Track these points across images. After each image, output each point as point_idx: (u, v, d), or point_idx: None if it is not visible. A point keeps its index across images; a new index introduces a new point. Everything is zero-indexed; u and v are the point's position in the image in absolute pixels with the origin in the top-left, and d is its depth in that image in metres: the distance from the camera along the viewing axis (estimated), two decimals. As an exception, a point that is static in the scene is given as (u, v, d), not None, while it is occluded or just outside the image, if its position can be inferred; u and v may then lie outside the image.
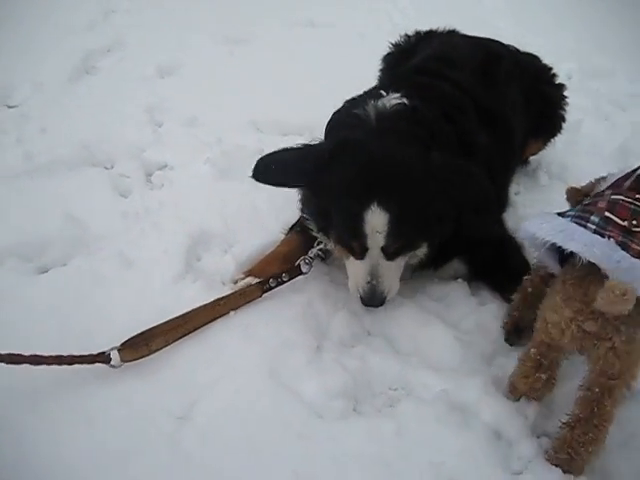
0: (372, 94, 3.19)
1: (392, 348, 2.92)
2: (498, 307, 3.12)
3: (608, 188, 2.44)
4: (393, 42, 4.38)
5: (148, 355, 2.64)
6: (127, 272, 3.19)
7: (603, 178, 2.60)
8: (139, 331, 2.65)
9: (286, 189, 3.18)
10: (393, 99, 3.02)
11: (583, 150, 4.60)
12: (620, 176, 2.46)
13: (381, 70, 4.30)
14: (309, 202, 3.09)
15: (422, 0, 7.46)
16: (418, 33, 4.32)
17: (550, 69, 4.25)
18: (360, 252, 2.81)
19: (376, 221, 2.67)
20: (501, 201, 3.52)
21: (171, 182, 4.00)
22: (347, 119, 3.02)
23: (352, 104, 3.20)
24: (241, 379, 2.68)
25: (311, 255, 3.19)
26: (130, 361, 2.60)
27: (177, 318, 2.75)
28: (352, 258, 2.87)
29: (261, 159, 2.89)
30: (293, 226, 3.42)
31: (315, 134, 4.13)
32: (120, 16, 6.79)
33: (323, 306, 3.07)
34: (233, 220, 3.58)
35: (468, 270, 3.27)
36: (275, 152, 2.88)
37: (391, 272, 2.86)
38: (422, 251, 2.95)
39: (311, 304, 3.06)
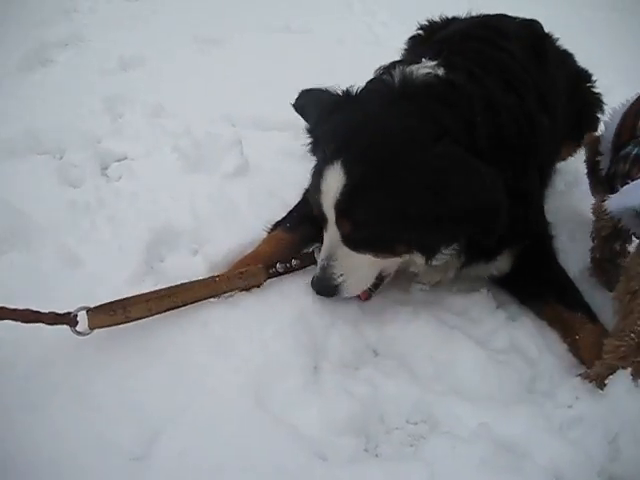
0: (404, 61, 2.74)
1: (407, 371, 2.34)
2: (532, 322, 2.61)
3: None
4: (419, 24, 3.79)
5: (125, 322, 2.25)
6: (72, 271, 2.63)
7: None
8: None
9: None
10: (424, 68, 2.51)
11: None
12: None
13: (406, 51, 3.71)
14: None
15: (402, 14, 7.09)
16: (445, 17, 3.71)
17: (587, 70, 3.80)
18: (323, 221, 2.43)
19: (332, 180, 2.28)
20: (542, 197, 2.98)
21: (131, 173, 3.44)
22: (371, 85, 2.62)
23: (384, 70, 2.72)
24: (217, 408, 2.09)
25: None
26: (101, 327, 2.22)
27: (163, 289, 2.38)
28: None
29: (302, 91, 2.87)
30: (280, 222, 2.85)
31: (300, 131, 3.66)
32: (82, 14, 6.36)
33: (318, 318, 2.47)
34: (205, 216, 3.00)
35: (510, 269, 2.71)
36: (316, 89, 2.75)
37: (352, 263, 2.41)
38: (417, 260, 2.46)
39: (303, 315, 2.47)
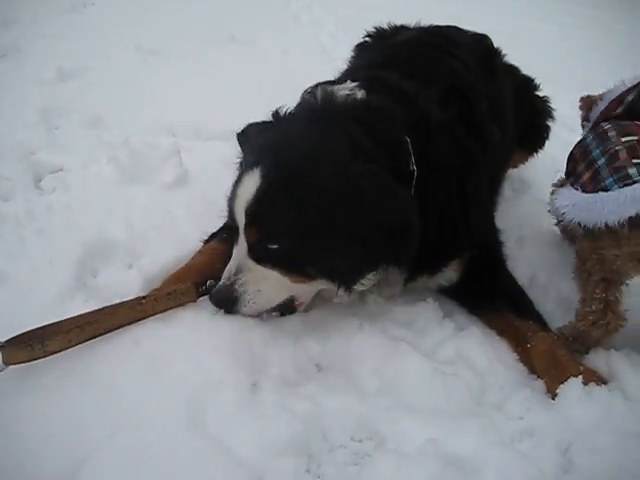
0: (331, 82, 2.69)
1: (351, 386, 2.22)
2: (481, 332, 2.51)
3: (612, 126, 2.55)
4: (367, 31, 3.72)
5: (43, 357, 2.08)
6: (-1, 287, 2.44)
7: (606, 93, 2.82)
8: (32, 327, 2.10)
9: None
10: (344, 89, 2.47)
11: (542, 165, 4.08)
12: (610, 102, 2.72)
13: (353, 58, 3.63)
14: None
15: (348, 25, 7.10)
16: (393, 25, 3.66)
17: (534, 79, 3.81)
18: (234, 231, 2.33)
19: (247, 184, 2.23)
20: (493, 203, 3.01)
21: (65, 185, 3.28)
22: (297, 107, 2.60)
23: (310, 90, 2.66)
24: (148, 430, 1.93)
25: None
26: (17, 363, 2.05)
27: (86, 315, 2.21)
28: None
29: (249, 124, 2.71)
30: (216, 233, 2.73)
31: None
32: (23, 25, 6.17)
33: (258, 331, 2.33)
34: (141, 228, 2.88)
35: (458, 279, 2.65)
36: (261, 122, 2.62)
37: (257, 278, 2.29)
38: (335, 290, 2.34)
39: (241, 330, 2.32)
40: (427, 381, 2.21)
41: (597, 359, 2.35)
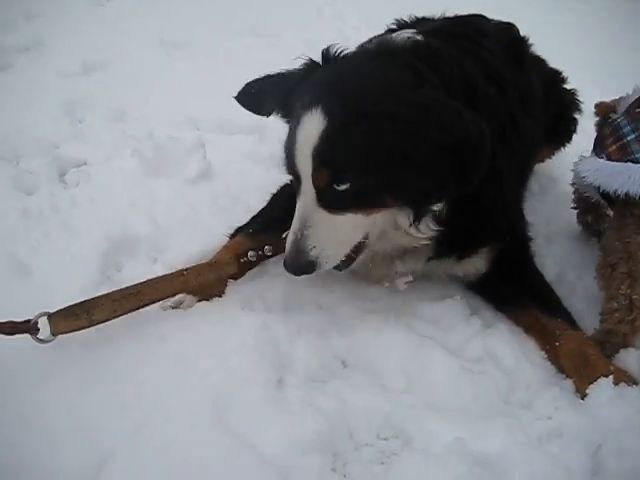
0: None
1: (377, 383, 2.19)
2: (508, 329, 2.46)
3: None
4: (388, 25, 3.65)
5: (89, 327, 2.12)
6: (20, 280, 2.48)
7: (622, 98, 2.76)
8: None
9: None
10: (403, 33, 2.42)
11: (569, 160, 3.99)
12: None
13: None
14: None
15: (372, 18, 7.03)
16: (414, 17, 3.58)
17: (561, 72, 3.70)
18: (297, 185, 2.21)
19: (310, 126, 2.08)
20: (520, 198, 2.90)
21: (89, 179, 3.29)
22: (348, 52, 2.43)
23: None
24: (173, 427, 1.92)
25: None
26: (64, 332, 2.08)
27: (127, 288, 2.23)
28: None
29: (249, 82, 2.50)
30: (242, 227, 2.70)
31: (266, 134, 3.53)
32: (46, 19, 6.14)
33: (283, 328, 2.32)
34: (165, 222, 2.87)
35: (487, 270, 2.59)
36: (261, 77, 2.48)
37: (330, 227, 2.16)
38: (402, 222, 2.28)
39: (267, 326, 2.31)
40: (454, 379, 2.18)
41: (628, 359, 2.30)
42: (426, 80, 2.16)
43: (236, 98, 2.52)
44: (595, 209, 2.96)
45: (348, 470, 1.89)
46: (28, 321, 2.05)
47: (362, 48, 2.42)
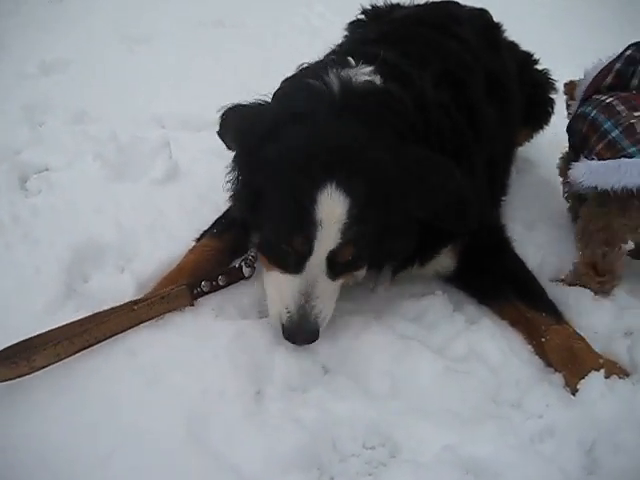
0: (336, 61, 2.44)
1: (360, 389, 2.11)
2: (493, 324, 2.39)
3: (613, 99, 2.64)
4: (362, 8, 3.58)
5: (29, 373, 1.95)
6: (-21, 298, 2.31)
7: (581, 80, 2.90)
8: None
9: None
10: (362, 74, 2.29)
11: (546, 143, 3.95)
12: (597, 73, 2.79)
13: (346, 37, 3.46)
14: (237, 184, 2.27)
15: (338, 5, 6.94)
16: (389, 3, 3.52)
17: (533, 54, 3.71)
18: (297, 260, 2.10)
19: (333, 205, 2.00)
20: (503, 186, 2.96)
21: (51, 186, 3.13)
22: (300, 91, 2.29)
23: (308, 72, 2.43)
24: (148, 448, 1.83)
25: (252, 255, 2.45)
26: (3, 382, 1.93)
27: (73, 324, 2.09)
28: (277, 273, 2.17)
29: (224, 112, 2.28)
30: (208, 230, 2.62)
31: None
32: (1, 18, 5.89)
33: (258, 335, 2.23)
34: (131, 227, 2.75)
35: (457, 266, 2.55)
36: (235, 106, 2.26)
37: (329, 295, 2.18)
38: (361, 273, 2.33)
39: (242, 334, 2.22)
40: (440, 381, 2.10)
41: (618, 350, 2.24)
42: (403, 136, 2.17)
43: (218, 133, 2.37)
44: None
45: (336, 484, 1.80)
46: None
47: (319, 93, 2.22)
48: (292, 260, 2.12)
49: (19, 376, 1.94)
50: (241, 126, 2.23)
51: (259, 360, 2.14)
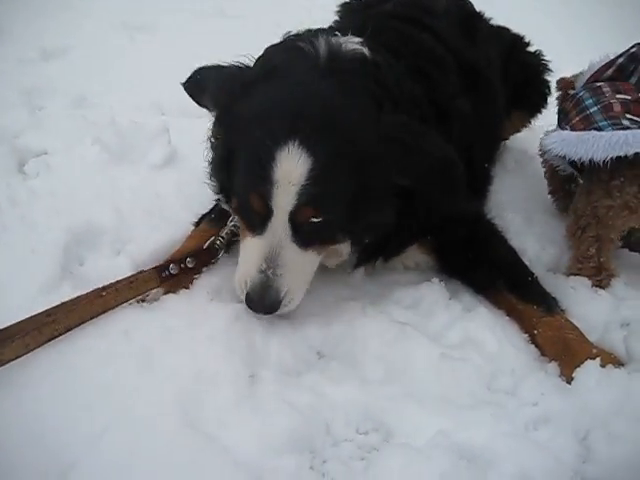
0: (324, 31, 2.45)
1: (354, 374, 2.09)
2: (489, 313, 2.37)
3: (602, 83, 2.71)
4: None
5: None
6: (-25, 279, 2.30)
7: (581, 73, 2.92)
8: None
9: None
10: (351, 43, 2.26)
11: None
12: (601, 66, 2.81)
13: (339, 19, 3.43)
14: (215, 144, 2.32)
15: (340, -4, 6.95)
16: None
17: (523, 37, 3.68)
18: (260, 220, 2.07)
19: (292, 164, 1.96)
20: (484, 179, 2.89)
21: (49, 169, 3.13)
22: (287, 53, 2.27)
23: (296, 38, 2.40)
24: (140, 429, 1.80)
25: (223, 234, 2.44)
26: None
27: (40, 314, 2.01)
28: (249, 237, 2.14)
29: (197, 69, 2.37)
30: (206, 215, 2.63)
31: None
32: (1, 4, 5.89)
33: (253, 319, 2.20)
34: (129, 212, 2.73)
35: (435, 262, 2.54)
36: (209, 66, 2.33)
37: (297, 266, 2.11)
38: (344, 249, 2.27)
39: (237, 317, 2.20)
40: (435, 367, 2.08)
41: (614, 340, 2.24)
42: (383, 103, 2.13)
43: (183, 84, 2.45)
44: (563, 187, 3.01)
45: (327, 468, 1.79)
46: None
47: (304, 54, 2.19)
48: (256, 221, 2.10)
49: None
50: (218, 84, 2.23)
51: (253, 344, 2.12)
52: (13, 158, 3.26)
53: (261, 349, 2.11)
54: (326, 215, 2.05)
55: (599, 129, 2.43)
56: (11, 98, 3.93)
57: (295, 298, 2.14)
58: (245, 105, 2.09)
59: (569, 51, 4.84)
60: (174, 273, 2.31)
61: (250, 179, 2.07)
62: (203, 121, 3.53)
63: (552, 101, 3.61)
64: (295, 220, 2.03)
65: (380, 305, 2.35)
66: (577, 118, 2.60)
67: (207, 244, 2.43)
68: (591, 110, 2.56)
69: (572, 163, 2.64)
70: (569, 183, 2.95)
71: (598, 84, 2.71)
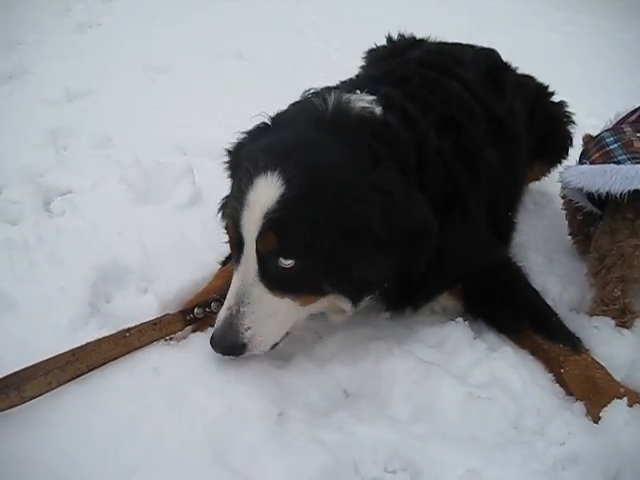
0: (342, 88, 2.55)
1: (382, 413, 2.11)
2: (514, 352, 2.39)
3: (623, 124, 2.77)
4: (388, 34, 3.68)
5: (20, 404, 1.90)
6: (7, 315, 2.34)
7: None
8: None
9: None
10: (362, 100, 2.31)
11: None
12: (625, 114, 2.87)
13: (365, 67, 3.54)
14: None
15: (355, 40, 7.07)
16: (412, 37, 3.60)
17: (547, 87, 3.72)
18: (237, 251, 2.09)
19: (264, 188, 1.98)
20: (508, 225, 2.89)
21: (75, 208, 3.17)
22: (299, 107, 2.41)
23: (313, 94, 2.51)
24: (171, 468, 1.82)
25: None
26: None
27: (65, 353, 2.04)
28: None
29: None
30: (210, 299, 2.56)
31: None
32: (28, 47, 6.07)
33: (281, 358, 2.26)
34: (155, 251, 2.76)
35: (463, 307, 2.54)
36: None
37: (266, 308, 2.06)
38: (342, 304, 2.20)
39: (265, 356, 2.21)
40: (462, 406, 2.09)
41: (639, 379, 2.24)
42: (381, 160, 2.12)
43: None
44: (582, 229, 3.00)
45: (356, 506, 1.79)
46: None
47: (313, 106, 2.28)
48: (234, 252, 2.12)
49: (11, 406, 1.90)
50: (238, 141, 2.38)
51: (281, 382, 2.14)
52: (39, 197, 3.32)
53: (289, 387, 2.12)
54: (294, 254, 2.00)
55: (618, 163, 2.47)
56: (36, 138, 4.00)
57: (264, 342, 2.09)
58: (247, 149, 2.22)
59: (587, 90, 4.94)
60: (199, 317, 2.33)
61: (230, 206, 2.13)
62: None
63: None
64: (260, 251, 2.01)
65: (405, 344, 2.37)
66: (597, 154, 2.65)
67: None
68: (611, 147, 2.60)
69: (591, 199, 2.66)
70: (589, 226, 2.95)
71: (621, 125, 2.78)
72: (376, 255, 2.06)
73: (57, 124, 4.22)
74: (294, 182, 1.96)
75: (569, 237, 3.11)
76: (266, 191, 1.97)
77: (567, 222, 3.11)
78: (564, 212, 3.13)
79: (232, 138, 2.52)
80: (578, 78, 6.10)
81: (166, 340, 2.27)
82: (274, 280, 2.04)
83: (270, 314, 2.07)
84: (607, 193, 2.43)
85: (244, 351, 2.07)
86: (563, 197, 3.09)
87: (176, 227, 2.93)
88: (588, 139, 2.99)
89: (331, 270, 2.06)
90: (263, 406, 2.01)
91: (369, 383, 2.20)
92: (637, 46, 7.85)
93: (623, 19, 9.55)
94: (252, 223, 1.99)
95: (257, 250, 2.01)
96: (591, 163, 2.63)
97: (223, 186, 3.25)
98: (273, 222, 1.96)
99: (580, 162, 2.87)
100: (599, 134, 2.81)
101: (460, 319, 2.48)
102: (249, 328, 2.04)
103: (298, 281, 2.06)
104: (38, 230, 2.90)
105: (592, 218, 2.90)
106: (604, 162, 2.54)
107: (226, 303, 2.07)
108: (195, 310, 2.32)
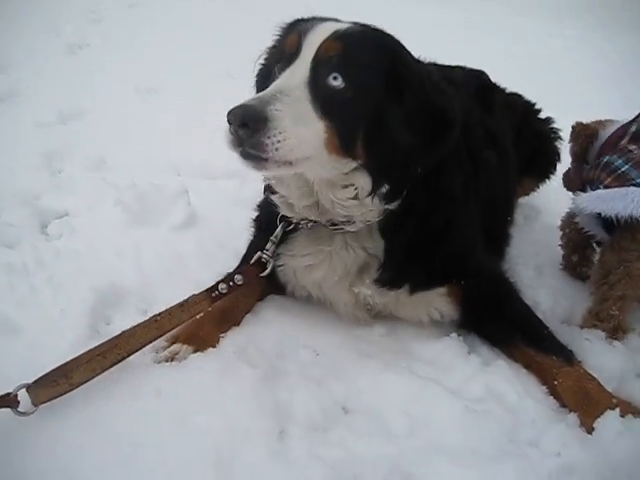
0: None
1: (380, 428, 2.14)
2: (508, 366, 2.42)
3: (621, 142, 2.67)
4: None
5: (70, 391, 2.05)
6: (9, 338, 2.39)
7: (609, 121, 2.90)
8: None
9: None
10: None
11: (552, 190, 4.02)
12: (625, 123, 2.77)
13: None
14: None
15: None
16: None
17: (534, 104, 3.80)
18: (286, 60, 2.12)
19: (331, 25, 2.20)
20: (502, 239, 2.96)
21: (72, 230, 3.22)
22: None
23: None
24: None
25: (268, 247, 2.50)
26: (47, 401, 2.01)
27: (103, 344, 2.18)
28: None
29: None
30: (232, 273, 2.62)
31: (247, 178, 3.49)
32: (19, 69, 6.13)
33: (280, 376, 2.29)
34: (152, 272, 2.83)
35: (458, 315, 2.57)
36: None
37: (299, 112, 1.97)
38: (363, 183, 2.18)
39: (264, 374, 2.27)
40: (458, 420, 2.13)
41: (630, 390, 2.29)
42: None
43: None
44: (583, 250, 2.98)
45: (359, 521, 1.83)
46: (8, 394, 1.98)
47: None
48: (285, 60, 2.13)
49: (61, 394, 2.03)
50: None
51: (280, 401, 2.17)
52: (36, 219, 3.36)
53: (288, 405, 2.16)
54: (347, 74, 2.03)
55: (638, 185, 2.39)
56: (31, 161, 4.05)
57: (287, 144, 1.92)
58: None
59: (570, 105, 5.00)
60: (224, 292, 2.39)
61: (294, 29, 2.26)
62: (219, 182, 3.68)
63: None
64: (319, 56, 2.05)
65: (401, 360, 2.41)
66: (609, 178, 2.54)
67: (254, 260, 2.49)
68: (623, 169, 2.51)
69: (606, 226, 2.60)
70: (586, 249, 2.98)
71: (620, 147, 2.66)
72: (403, 129, 2.12)
73: (51, 146, 4.27)
74: (359, 29, 2.18)
75: (560, 266, 3.12)
76: (334, 25, 2.17)
77: (563, 246, 3.10)
78: (560, 244, 3.12)
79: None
80: (564, 91, 6.18)
81: (167, 361, 2.30)
82: (318, 93, 2.01)
83: (301, 118, 1.96)
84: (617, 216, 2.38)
85: (262, 124, 1.88)
86: (562, 231, 3.08)
87: (172, 248, 2.98)
88: (580, 127, 2.97)
89: (369, 120, 2.10)
90: (264, 424, 2.04)
91: (366, 399, 2.23)
92: (623, 58, 7.94)
93: (609, 31, 9.65)
94: (319, 34, 2.10)
95: (315, 56, 2.06)
96: (605, 187, 2.52)
97: (218, 206, 3.33)
98: (340, 35, 2.10)
99: (571, 152, 2.94)
100: (601, 159, 2.69)
101: (454, 334, 2.52)
102: (276, 112, 1.89)
103: (338, 111, 2.04)
104: (36, 253, 2.95)
105: (589, 242, 2.91)
106: (621, 185, 2.44)
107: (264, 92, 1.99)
108: (220, 286, 2.39)
